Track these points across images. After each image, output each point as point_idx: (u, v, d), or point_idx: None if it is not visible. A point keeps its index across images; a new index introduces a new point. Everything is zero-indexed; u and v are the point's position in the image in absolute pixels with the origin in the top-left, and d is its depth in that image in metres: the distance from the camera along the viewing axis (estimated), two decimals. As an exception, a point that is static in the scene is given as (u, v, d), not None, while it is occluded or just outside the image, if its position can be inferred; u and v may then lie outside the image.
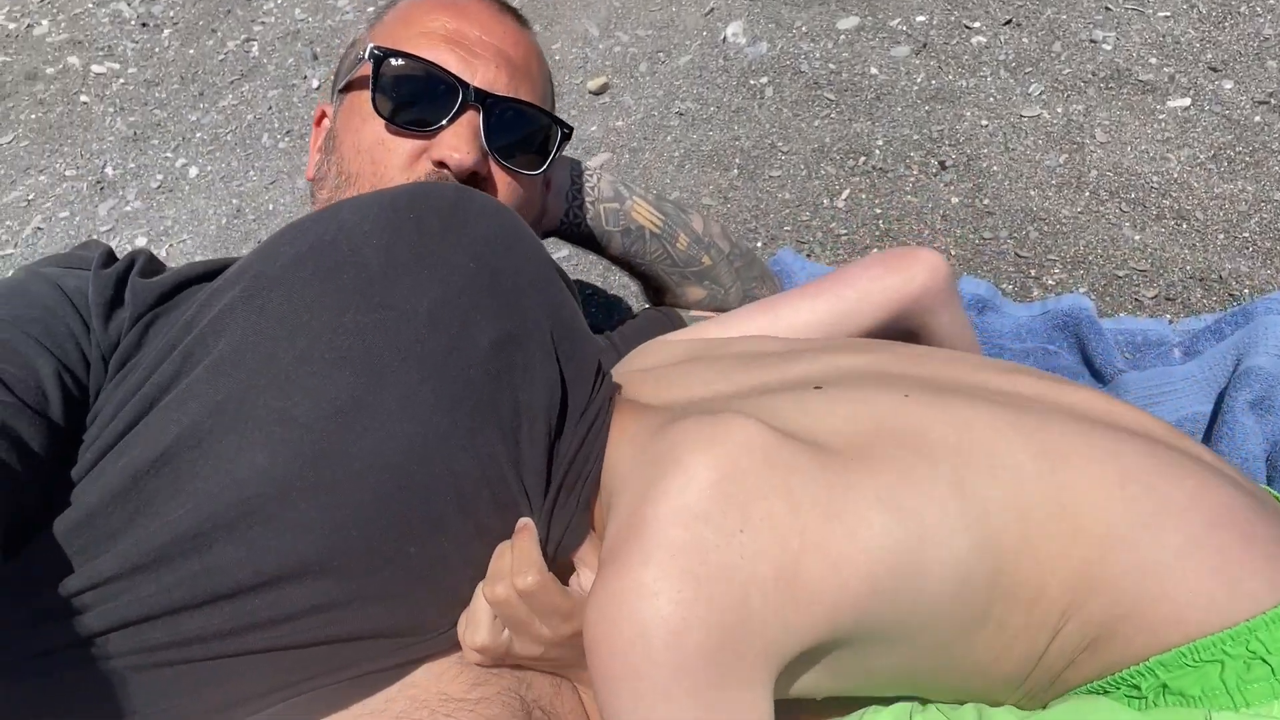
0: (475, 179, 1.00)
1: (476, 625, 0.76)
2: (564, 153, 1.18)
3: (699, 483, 0.65)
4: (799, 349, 0.91)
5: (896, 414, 0.72)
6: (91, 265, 0.84)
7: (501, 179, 1.03)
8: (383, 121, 0.98)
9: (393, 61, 0.97)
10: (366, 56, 0.98)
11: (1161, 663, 0.64)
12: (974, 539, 0.66)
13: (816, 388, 0.78)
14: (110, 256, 0.87)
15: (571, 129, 1.10)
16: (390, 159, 0.98)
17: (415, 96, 0.98)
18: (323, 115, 1.13)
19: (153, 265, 0.89)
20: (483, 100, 0.99)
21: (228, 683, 0.70)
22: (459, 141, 0.96)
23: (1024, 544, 0.67)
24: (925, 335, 1.05)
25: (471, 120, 0.98)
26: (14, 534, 0.69)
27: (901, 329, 1.05)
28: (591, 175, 1.31)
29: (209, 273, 0.88)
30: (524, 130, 1.04)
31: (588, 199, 1.30)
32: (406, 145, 0.98)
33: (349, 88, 1.04)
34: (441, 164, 0.97)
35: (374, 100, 0.97)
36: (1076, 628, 0.68)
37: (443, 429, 0.73)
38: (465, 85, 0.97)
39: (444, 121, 0.98)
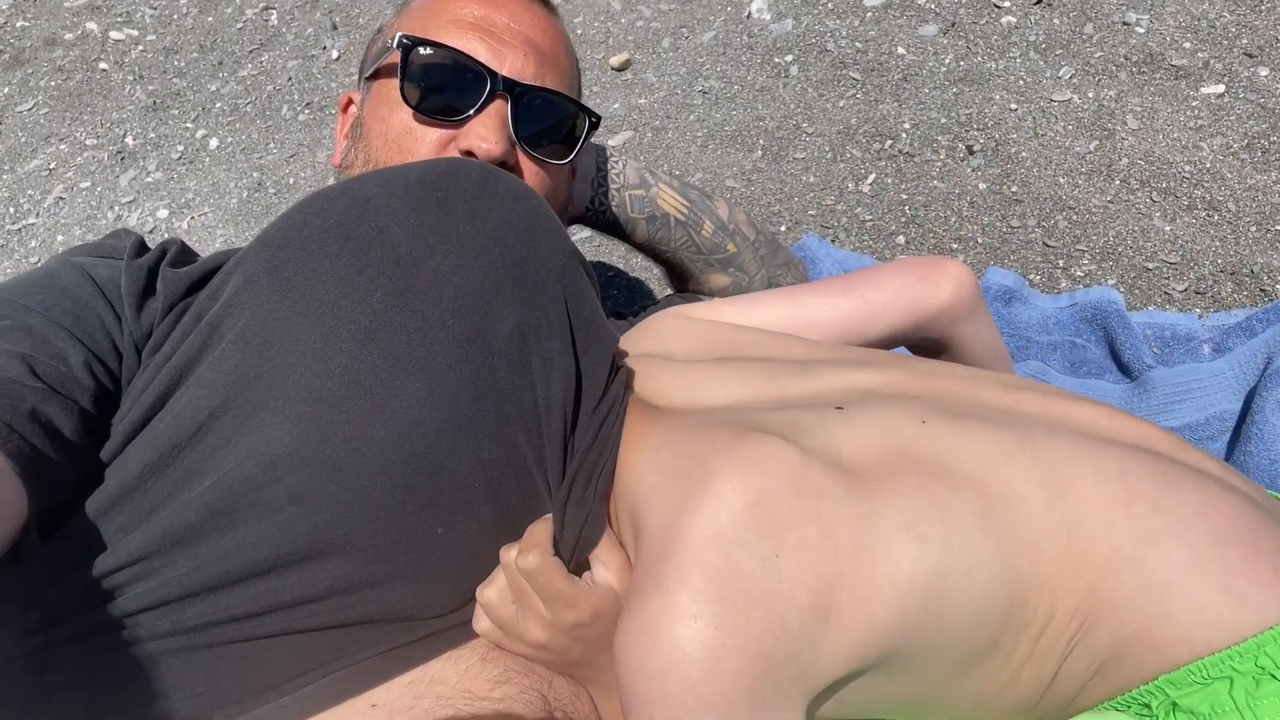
0: (503, 168, 0.99)
1: (491, 580, 0.77)
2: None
3: (731, 507, 0.65)
4: (819, 359, 0.90)
5: (917, 441, 0.72)
6: (123, 255, 0.84)
7: (529, 168, 1.02)
8: (411, 110, 0.97)
9: (421, 50, 0.96)
10: (395, 45, 0.97)
11: (1170, 681, 0.64)
12: (994, 570, 0.66)
13: (838, 408, 0.77)
14: (142, 246, 0.87)
15: (599, 118, 1.08)
16: (418, 148, 0.98)
17: (443, 85, 0.97)
18: (349, 102, 1.13)
19: (184, 255, 0.89)
20: (511, 89, 0.98)
21: (262, 664, 0.70)
22: (487, 131, 0.96)
23: (1035, 574, 0.67)
24: (949, 344, 1.05)
25: (500, 110, 0.97)
26: (48, 519, 0.69)
27: (925, 337, 1.04)
28: (617, 162, 1.30)
29: None
30: (551, 119, 1.03)
31: (613, 185, 1.29)
32: (434, 134, 0.98)
33: (376, 75, 1.03)
34: (469, 154, 0.96)
35: (402, 89, 0.97)
36: (1084, 652, 0.68)
37: (470, 417, 0.73)
38: (493, 74, 0.96)
39: (472, 111, 0.97)
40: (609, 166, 1.29)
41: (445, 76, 0.97)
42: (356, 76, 1.13)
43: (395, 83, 0.98)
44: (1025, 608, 0.67)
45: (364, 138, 1.03)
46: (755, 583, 0.62)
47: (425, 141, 0.98)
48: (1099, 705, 0.69)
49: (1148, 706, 0.66)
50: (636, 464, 0.77)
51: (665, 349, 0.95)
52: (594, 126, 1.09)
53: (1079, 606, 0.67)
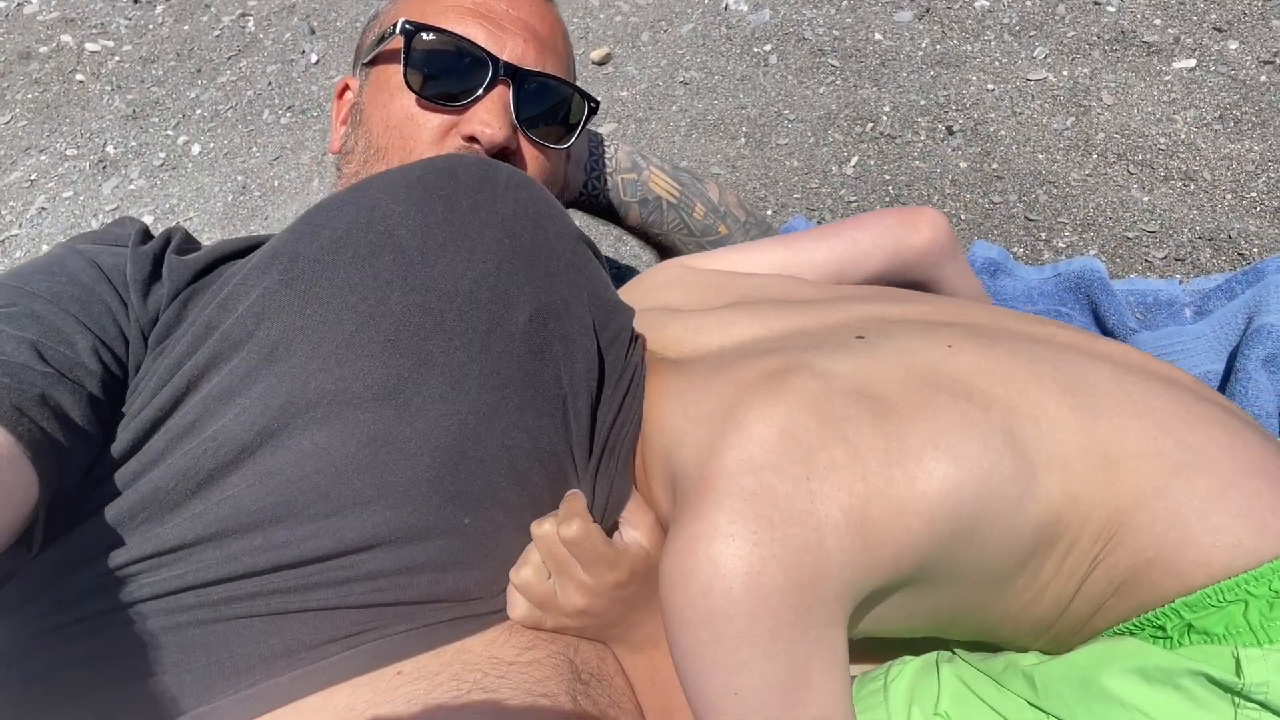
0: (504, 153, 1.00)
1: (524, 562, 0.77)
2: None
3: (759, 439, 0.67)
4: (833, 296, 0.91)
5: (944, 364, 0.73)
6: (128, 242, 0.85)
7: (530, 153, 1.03)
8: (413, 96, 0.99)
9: (424, 36, 0.98)
10: (398, 31, 0.98)
11: (1186, 604, 0.66)
12: (1022, 489, 0.67)
13: (859, 337, 0.78)
14: (146, 234, 0.88)
15: (598, 102, 1.10)
16: (420, 134, 0.99)
17: (446, 71, 0.98)
18: (345, 88, 1.13)
19: (188, 242, 0.90)
20: (512, 74, 0.99)
21: (287, 633, 0.71)
22: (490, 116, 0.97)
23: (1065, 495, 0.68)
24: (934, 287, 1.09)
25: (501, 95, 0.99)
26: (58, 506, 0.70)
27: (911, 279, 1.08)
28: (609, 146, 1.32)
29: (243, 249, 0.89)
30: (551, 104, 1.05)
31: (606, 169, 1.31)
32: (436, 120, 0.99)
33: (376, 61, 1.04)
34: (472, 139, 0.97)
35: (405, 75, 0.98)
36: (1104, 574, 0.70)
37: (492, 406, 0.75)
38: (495, 60, 0.98)
39: (474, 96, 0.98)
40: (601, 150, 1.31)
41: (447, 62, 0.98)
42: (336, 79, 1.14)
43: (396, 69, 0.99)
44: (1054, 527, 0.69)
45: (364, 123, 1.04)
46: (788, 503, 0.64)
47: (427, 127, 0.99)
48: (1112, 627, 0.72)
49: (1162, 629, 0.68)
50: (661, 417, 0.79)
51: (668, 300, 0.97)
52: (593, 111, 1.10)
53: (1104, 530, 0.69)
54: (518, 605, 0.77)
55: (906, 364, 0.74)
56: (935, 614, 0.75)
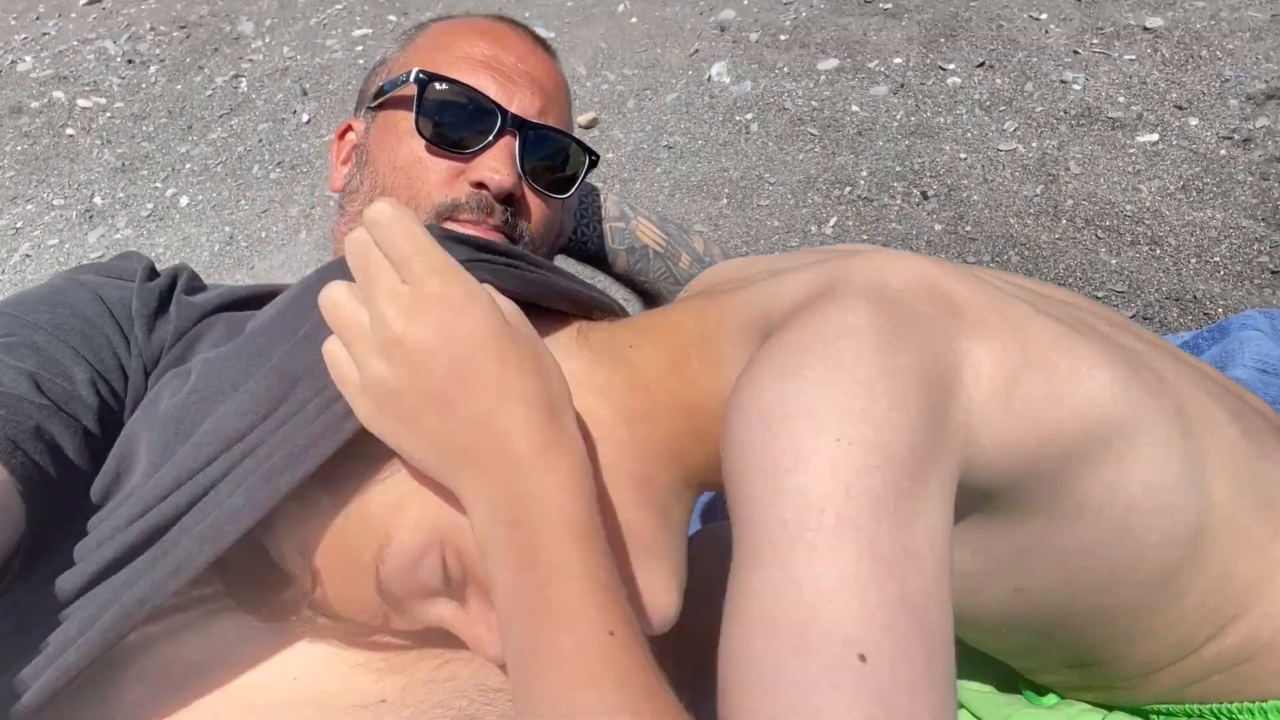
0: (510, 200, 1.03)
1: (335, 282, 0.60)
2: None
3: (892, 272, 0.56)
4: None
5: (1110, 335, 0.61)
6: (134, 277, 0.86)
7: (534, 202, 1.07)
8: (422, 141, 1.02)
9: (437, 86, 1.01)
10: (411, 79, 1.02)
11: (1278, 709, 0.59)
12: (1187, 470, 0.56)
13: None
14: (152, 270, 0.89)
15: (598, 156, 1.14)
16: (428, 177, 1.02)
17: (456, 120, 1.02)
18: (348, 129, 1.16)
19: (194, 282, 0.91)
20: (519, 126, 1.03)
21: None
22: (498, 164, 1.00)
23: (1230, 511, 0.57)
24: None
25: (508, 145, 1.02)
26: (42, 534, 0.70)
27: None
28: (598, 195, 1.36)
29: (252, 297, 0.91)
30: (555, 156, 1.08)
31: (594, 218, 1.35)
32: (444, 165, 1.02)
33: (385, 105, 1.08)
34: (480, 185, 1.00)
35: (417, 122, 1.01)
36: (1239, 638, 0.60)
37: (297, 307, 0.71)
38: (504, 111, 1.01)
39: (482, 145, 1.02)
40: (593, 199, 1.35)
41: (458, 112, 1.02)
42: (328, 138, 1.18)
43: (407, 115, 1.02)
44: (1209, 539, 0.57)
45: (369, 164, 1.07)
46: (928, 323, 0.53)
47: (435, 171, 1.02)
48: (1195, 704, 0.65)
49: None
50: (733, 299, 0.65)
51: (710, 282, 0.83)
52: (593, 164, 1.14)
53: (1256, 580, 0.59)
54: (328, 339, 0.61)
55: (1070, 315, 0.62)
56: (1049, 606, 0.62)
